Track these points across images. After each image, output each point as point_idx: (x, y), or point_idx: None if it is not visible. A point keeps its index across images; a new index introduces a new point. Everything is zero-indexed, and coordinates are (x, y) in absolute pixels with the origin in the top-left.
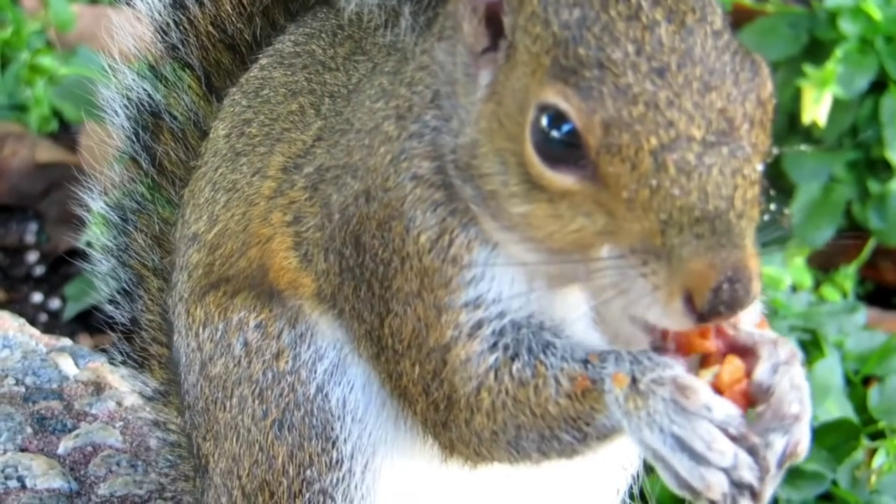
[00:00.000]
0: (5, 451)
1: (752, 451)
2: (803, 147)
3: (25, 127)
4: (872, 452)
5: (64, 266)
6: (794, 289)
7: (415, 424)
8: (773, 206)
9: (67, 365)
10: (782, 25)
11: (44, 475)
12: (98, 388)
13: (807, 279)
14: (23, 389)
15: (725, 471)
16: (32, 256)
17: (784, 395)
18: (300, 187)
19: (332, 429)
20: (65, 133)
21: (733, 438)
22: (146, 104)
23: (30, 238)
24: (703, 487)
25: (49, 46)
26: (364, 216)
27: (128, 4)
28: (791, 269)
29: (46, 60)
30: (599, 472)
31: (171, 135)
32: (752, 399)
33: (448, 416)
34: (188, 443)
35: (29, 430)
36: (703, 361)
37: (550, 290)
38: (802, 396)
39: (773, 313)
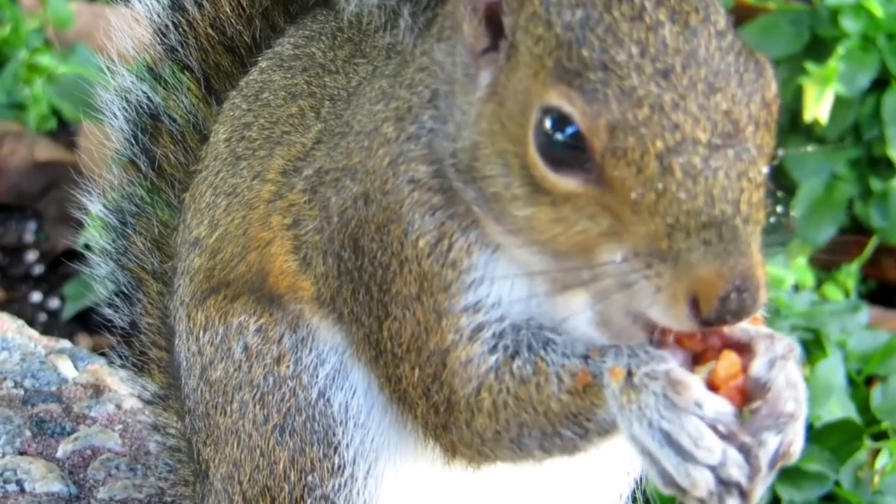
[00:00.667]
0: (4, 455)
1: (744, 450)
2: (808, 148)
3: (24, 126)
4: (875, 453)
5: (63, 265)
6: (797, 288)
7: (415, 428)
8: (778, 209)
9: (66, 367)
10: (784, 23)
11: (43, 479)
12: (97, 390)
13: (809, 278)
14: (21, 392)
15: (713, 468)
16: (31, 255)
17: (780, 393)
18: (299, 190)
19: (334, 434)
20: (63, 131)
21: (723, 436)
22: (145, 106)
23: (29, 237)
24: (689, 484)
25: (47, 45)
26: (363, 219)
27: (126, 4)
28: (793, 269)
29: (45, 59)
30: (602, 476)
31: (170, 137)
32: (748, 395)
33: (448, 419)
34: (188, 447)
35: (28, 433)
36: (700, 357)
37: (552, 292)
38: (798, 394)
39: (775, 313)
